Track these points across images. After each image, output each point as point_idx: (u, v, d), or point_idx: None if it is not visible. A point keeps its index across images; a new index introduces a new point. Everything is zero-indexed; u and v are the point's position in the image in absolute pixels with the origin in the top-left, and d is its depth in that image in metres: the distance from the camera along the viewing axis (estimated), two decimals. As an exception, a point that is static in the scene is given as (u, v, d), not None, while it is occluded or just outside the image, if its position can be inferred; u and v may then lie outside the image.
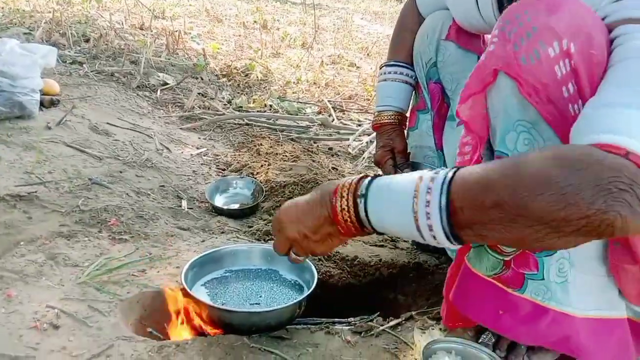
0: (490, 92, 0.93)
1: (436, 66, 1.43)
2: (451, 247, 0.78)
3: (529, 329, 0.95)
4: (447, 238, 0.74)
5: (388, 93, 1.52)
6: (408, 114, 1.57)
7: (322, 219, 0.88)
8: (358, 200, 0.83)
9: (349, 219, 0.84)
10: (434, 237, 0.75)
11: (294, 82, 3.59)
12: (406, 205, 0.76)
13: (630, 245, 0.87)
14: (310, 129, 2.80)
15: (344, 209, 0.84)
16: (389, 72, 1.52)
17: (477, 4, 1.26)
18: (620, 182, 0.63)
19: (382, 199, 0.81)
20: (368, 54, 4.92)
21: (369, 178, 0.84)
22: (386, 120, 1.52)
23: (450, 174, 0.73)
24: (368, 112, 3.18)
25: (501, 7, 1.24)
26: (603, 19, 0.84)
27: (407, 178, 0.79)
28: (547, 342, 0.96)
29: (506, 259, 0.98)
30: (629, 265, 0.90)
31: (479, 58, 1.35)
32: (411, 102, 1.56)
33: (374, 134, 1.73)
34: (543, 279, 0.94)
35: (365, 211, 0.82)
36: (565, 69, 0.81)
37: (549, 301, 0.93)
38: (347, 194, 0.84)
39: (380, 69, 1.56)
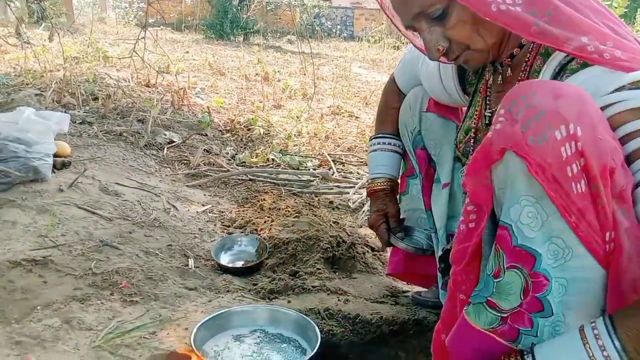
0: (497, 168, 0.99)
1: (420, 134, 1.55)
2: None
3: None
4: None
5: (379, 162, 1.64)
6: (399, 181, 1.68)
7: None
8: None
9: None
10: None
11: (295, 135, 3.71)
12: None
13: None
14: (312, 183, 2.90)
15: None
16: (379, 143, 1.65)
17: (442, 83, 1.39)
18: None
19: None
20: (366, 103, 5.08)
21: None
22: (379, 187, 1.62)
23: (609, 322, 0.84)
24: (367, 165, 3.28)
25: (463, 86, 1.36)
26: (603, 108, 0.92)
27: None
28: None
29: (503, 315, 1.05)
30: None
31: (457, 126, 1.48)
32: (400, 169, 1.68)
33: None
34: (537, 336, 1.00)
35: None
36: (570, 151, 0.88)
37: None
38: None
39: (370, 141, 1.69)
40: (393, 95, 1.66)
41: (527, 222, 0.97)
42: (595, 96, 0.93)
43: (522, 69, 1.10)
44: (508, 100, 0.94)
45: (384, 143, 1.65)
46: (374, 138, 1.67)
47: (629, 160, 0.93)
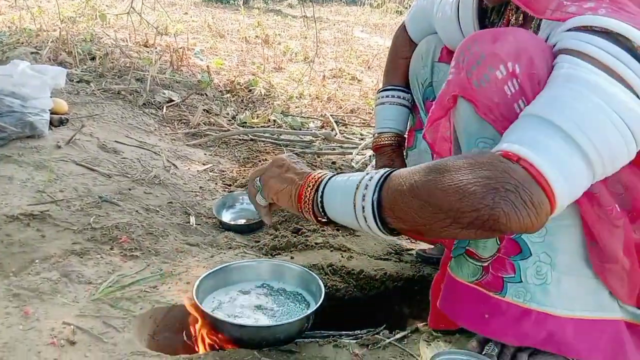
0: (453, 115, 1.03)
1: (432, 86, 1.49)
2: (382, 235, 0.91)
3: (515, 331, 1.01)
4: (375, 221, 0.87)
5: (386, 116, 1.59)
6: (406, 135, 1.63)
7: (290, 194, 1.02)
8: (318, 195, 0.97)
9: (309, 208, 0.98)
10: (366, 220, 0.89)
11: (296, 97, 3.65)
12: (349, 197, 0.91)
13: (604, 244, 0.92)
14: (314, 144, 2.85)
15: (306, 197, 0.99)
16: (386, 96, 1.59)
17: (461, 30, 1.33)
18: (508, 183, 0.75)
19: (335, 193, 0.95)
20: (369, 67, 4.98)
21: (330, 175, 0.99)
22: (385, 142, 1.58)
23: (386, 173, 0.88)
24: (370, 126, 3.23)
25: (482, 24, 1.31)
26: (554, 45, 0.92)
27: (357, 175, 0.93)
28: (534, 342, 1.01)
29: (484, 264, 1.04)
30: (611, 264, 0.95)
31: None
32: (408, 123, 1.62)
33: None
34: (521, 281, 1.00)
35: (321, 203, 0.97)
36: (514, 88, 0.91)
37: (529, 302, 0.99)
38: (312, 186, 0.98)
39: (377, 93, 1.63)
40: (403, 45, 1.59)
41: None
42: (553, 32, 0.95)
43: None
44: (457, 52, 0.99)
45: (392, 96, 1.59)
46: (381, 90, 1.62)
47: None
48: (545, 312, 0.99)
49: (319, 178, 0.99)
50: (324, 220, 0.99)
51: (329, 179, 0.97)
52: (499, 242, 1.02)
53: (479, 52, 0.93)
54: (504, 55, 0.91)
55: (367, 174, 0.91)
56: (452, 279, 1.10)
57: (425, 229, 0.82)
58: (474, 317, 1.05)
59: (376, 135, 1.61)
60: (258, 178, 1.10)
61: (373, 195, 0.86)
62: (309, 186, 0.98)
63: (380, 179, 0.87)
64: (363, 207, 0.88)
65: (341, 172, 1.02)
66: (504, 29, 1.02)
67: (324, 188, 0.96)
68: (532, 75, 0.90)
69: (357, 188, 0.90)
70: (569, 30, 0.89)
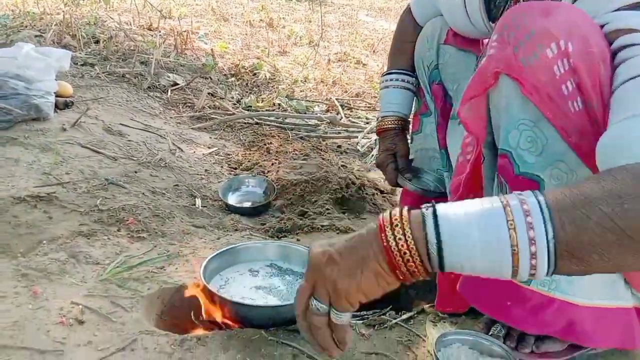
0: (492, 93, 0.97)
1: (437, 68, 1.47)
2: (541, 278, 0.67)
3: (536, 319, 0.99)
4: (548, 263, 0.62)
5: (391, 99, 1.58)
6: (411, 119, 1.61)
7: (368, 256, 0.67)
8: (422, 232, 0.64)
9: (409, 257, 0.64)
10: (532, 265, 0.62)
11: (301, 81, 3.62)
12: (495, 229, 0.63)
13: None
14: (319, 127, 2.84)
15: (400, 244, 0.65)
16: (391, 80, 1.58)
17: (467, 12, 1.31)
18: None
19: (460, 226, 0.64)
20: (374, 51, 4.94)
21: (429, 207, 0.67)
22: (389, 126, 1.56)
23: (540, 197, 0.63)
24: (375, 110, 3.21)
25: (489, 13, 1.28)
26: (602, 26, 0.87)
27: (478, 204, 0.65)
28: (553, 330, 1.00)
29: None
30: None
31: (477, 57, 1.40)
32: (413, 107, 1.61)
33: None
34: None
35: (438, 244, 0.63)
36: (563, 68, 0.85)
37: (554, 291, 0.98)
38: (404, 226, 0.65)
39: (382, 77, 1.61)
40: (408, 28, 1.58)
41: (527, 147, 0.93)
42: (594, 14, 0.88)
43: None
44: (500, 25, 0.92)
45: (396, 80, 1.57)
46: (386, 74, 1.60)
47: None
48: (568, 301, 0.97)
49: (403, 217, 0.66)
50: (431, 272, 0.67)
51: (428, 214, 0.66)
52: None
53: (527, 26, 0.86)
54: (556, 31, 0.84)
55: (500, 199, 0.65)
56: None
57: (609, 268, 0.64)
58: (496, 303, 1.03)
59: (380, 118, 1.60)
60: (312, 298, 0.72)
61: (545, 225, 0.61)
62: (396, 227, 0.66)
63: (542, 204, 0.63)
64: (533, 241, 0.61)
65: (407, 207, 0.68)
66: (554, 2, 0.92)
67: (436, 224, 0.64)
68: (588, 53, 0.84)
69: (505, 214, 0.63)
70: (618, 10, 0.85)
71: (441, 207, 0.66)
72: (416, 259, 0.64)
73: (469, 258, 0.63)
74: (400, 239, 0.64)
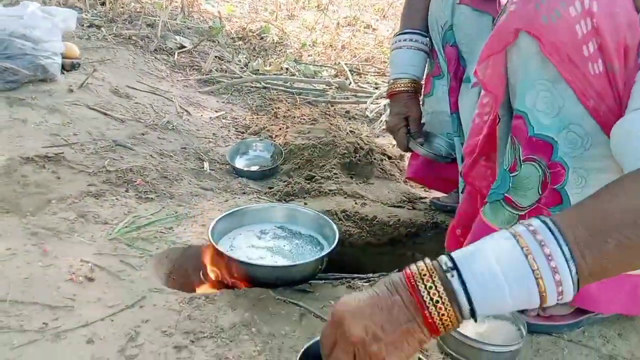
0: (511, 51, 0.94)
1: (452, 29, 1.42)
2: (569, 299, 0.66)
3: None
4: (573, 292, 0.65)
5: (403, 61, 1.52)
6: (423, 82, 1.58)
7: (414, 329, 0.68)
8: (456, 306, 0.66)
9: (449, 322, 0.67)
10: (558, 300, 0.65)
11: (309, 45, 3.57)
12: (525, 282, 0.64)
13: None
14: (327, 92, 2.81)
15: (444, 319, 0.66)
16: (404, 40, 1.52)
17: None
18: None
19: (480, 273, 0.66)
20: (384, 16, 4.85)
21: (448, 258, 0.69)
22: (401, 88, 1.51)
23: (550, 222, 0.65)
24: (385, 75, 3.17)
25: None
26: None
27: (498, 251, 0.67)
28: None
29: (521, 213, 1.02)
30: None
31: (494, 19, 1.36)
32: (426, 69, 1.57)
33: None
34: None
35: (467, 296, 0.65)
36: (586, 28, 0.82)
37: None
38: (432, 279, 0.67)
39: (394, 37, 1.56)
40: None
41: (543, 109, 0.91)
42: None
43: None
44: None
45: (409, 40, 1.52)
46: (398, 34, 1.56)
47: None
48: None
49: (437, 288, 0.66)
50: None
51: (455, 281, 0.66)
52: (540, 192, 0.98)
53: None
54: None
55: (512, 234, 0.67)
56: (484, 224, 1.07)
57: (628, 271, 0.71)
58: None
59: (391, 81, 1.54)
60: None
61: (568, 265, 0.63)
62: (425, 281, 0.67)
63: (560, 241, 0.64)
64: (559, 283, 0.63)
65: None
66: None
67: (460, 275, 0.66)
68: (613, 14, 0.81)
69: (529, 264, 0.64)
70: None
71: (465, 270, 0.66)
72: (454, 322, 0.67)
73: (500, 309, 0.67)
74: (443, 315, 0.66)
